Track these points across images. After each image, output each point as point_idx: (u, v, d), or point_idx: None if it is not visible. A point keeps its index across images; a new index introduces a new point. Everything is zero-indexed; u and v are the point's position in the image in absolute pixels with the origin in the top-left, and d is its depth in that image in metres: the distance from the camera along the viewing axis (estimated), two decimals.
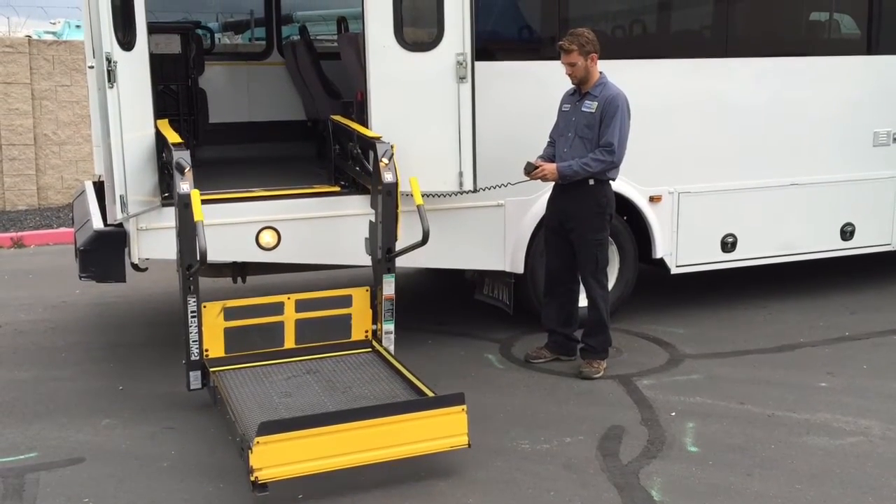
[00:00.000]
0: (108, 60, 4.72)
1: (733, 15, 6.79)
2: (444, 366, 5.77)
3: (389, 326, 5.27)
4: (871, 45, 7.19)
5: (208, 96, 8.00)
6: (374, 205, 5.25)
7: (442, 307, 7.28)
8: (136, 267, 5.51)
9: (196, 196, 4.62)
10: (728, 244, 6.84)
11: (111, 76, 4.73)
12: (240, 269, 6.08)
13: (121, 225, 5.24)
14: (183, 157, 4.77)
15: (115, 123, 4.81)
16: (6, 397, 5.38)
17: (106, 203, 5.09)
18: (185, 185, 4.67)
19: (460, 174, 5.60)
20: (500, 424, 4.89)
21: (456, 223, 5.92)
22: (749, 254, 6.93)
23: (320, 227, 5.62)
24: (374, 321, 5.31)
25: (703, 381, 5.57)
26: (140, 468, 4.43)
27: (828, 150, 7.08)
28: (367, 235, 5.36)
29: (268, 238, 5.48)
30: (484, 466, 4.38)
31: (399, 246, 5.22)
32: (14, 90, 11.54)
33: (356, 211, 5.56)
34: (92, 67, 5.35)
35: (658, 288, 7.33)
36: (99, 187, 5.95)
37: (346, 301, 5.32)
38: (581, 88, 5.54)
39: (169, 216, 5.05)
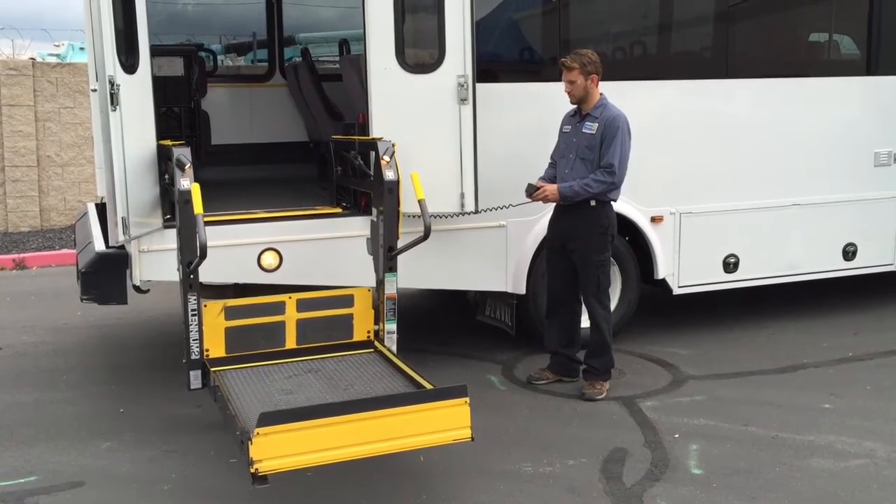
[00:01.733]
0: (111, 83, 4.73)
1: (734, 36, 6.82)
2: None
3: (392, 326, 5.19)
4: (870, 65, 7.22)
5: (211, 118, 8.04)
6: (376, 204, 5.25)
7: (444, 328, 7.27)
8: (137, 289, 5.50)
9: (196, 190, 4.56)
10: (730, 265, 6.83)
11: (114, 99, 4.74)
12: (241, 291, 6.06)
13: (123, 247, 5.24)
14: (183, 153, 4.70)
15: (118, 146, 4.82)
16: (7, 420, 5.36)
17: (108, 225, 5.09)
18: (185, 182, 4.60)
19: (462, 195, 5.61)
20: (503, 446, 4.86)
21: (458, 244, 5.93)
22: (751, 274, 6.92)
23: (322, 249, 5.62)
24: (377, 321, 5.24)
25: (706, 403, 5.55)
26: (141, 492, 4.40)
27: (829, 170, 7.09)
28: (369, 235, 5.33)
29: (269, 259, 5.48)
30: (486, 489, 4.35)
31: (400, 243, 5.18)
32: (17, 112, 11.59)
33: (358, 232, 5.56)
34: (95, 90, 5.38)
35: (660, 309, 7.32)
36: (101, 209, 5.95)
37: (348, 301, 5.24)
38: (581, 109, 5.55)
39: (171, 238, 5.04)
